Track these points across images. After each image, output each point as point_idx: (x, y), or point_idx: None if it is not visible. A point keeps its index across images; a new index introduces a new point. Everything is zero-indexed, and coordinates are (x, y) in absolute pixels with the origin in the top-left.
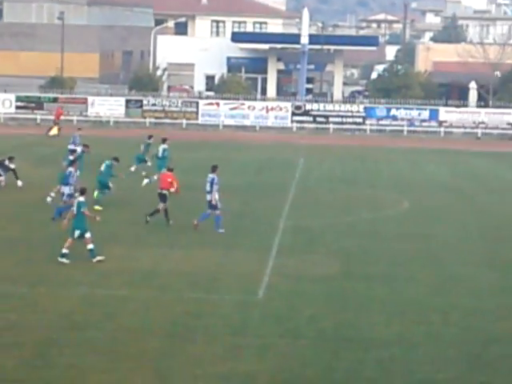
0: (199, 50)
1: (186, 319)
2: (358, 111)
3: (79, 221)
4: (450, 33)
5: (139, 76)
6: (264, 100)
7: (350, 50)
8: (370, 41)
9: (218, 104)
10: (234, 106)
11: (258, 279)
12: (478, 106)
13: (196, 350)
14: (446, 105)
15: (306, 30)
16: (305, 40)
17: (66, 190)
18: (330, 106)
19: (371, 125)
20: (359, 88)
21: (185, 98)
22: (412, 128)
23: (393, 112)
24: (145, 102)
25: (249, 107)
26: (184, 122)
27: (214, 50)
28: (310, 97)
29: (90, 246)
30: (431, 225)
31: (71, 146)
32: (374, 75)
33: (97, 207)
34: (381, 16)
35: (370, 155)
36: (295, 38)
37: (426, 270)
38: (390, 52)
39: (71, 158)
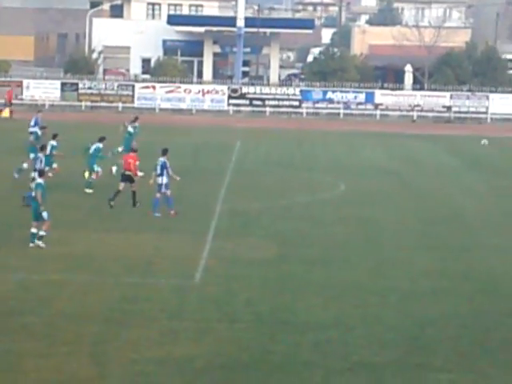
0: (135, 32)
1: (122, 304)
2: (295, 94)
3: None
4: (386, 16)
5: (75, 59)
6: (200, 83)
7: (286, 32)
8: (306, 24)
9: (154, 87)
10: (170, 90)
11: (195, 263)
12: (414, 89)
13: (132, 335)
14: (382, 88)
15: (241, 13)
16: (241, 23)
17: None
18: (266, 89)
19: (307, 108)
20: (295, 71)
21: (121, 82)
22: (348, 111)
23: (329, 95)
24: (80, 86)
25: (185, 90)
26: (120, 105)
27: (150, 32)
28: (246, 80)
29: (37, 231)
30: (368, 208)
31: (32, 129)
32: (310, 58)
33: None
34: None
35: (307, 138)
36: (231, 21)
37: (362, 253)
38: (326, 35)
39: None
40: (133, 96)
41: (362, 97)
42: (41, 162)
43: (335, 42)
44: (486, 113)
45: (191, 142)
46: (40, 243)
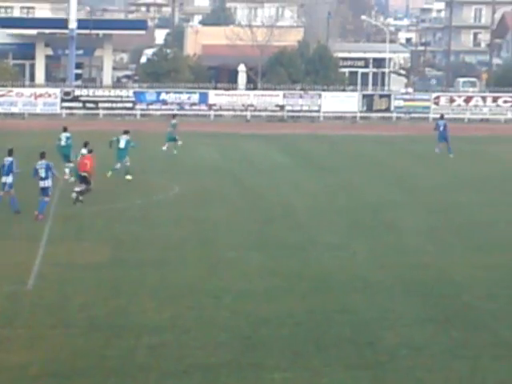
0: None
1: None
2: (128, 96)
3: None
4: (219, 16)
5: None
6: (32, 86)
7: (119, 34)
8: (139, 25)
9: None
10: (1, 93)
11: (28, 269)
12: (247, 89)
13: None
14: (216, 88)
15: (73, 15)
16: (73, 25)
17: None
18: (99, 92)
19: (141, 109)
20: (129, 73)
21: None
22: (182, 112)
23: (162, 96)
24: None
25: (17, 94)
26: None
27: None
28: (79, 82)
29: None
30: (202, 208)
31: None
32: (143, 59)
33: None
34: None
35: (141, 140)
36: (63, 23)
37: (197, 254)
38: (160, 36)
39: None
40: None
41: (195, 97)
42: None
43: (169, 42)
44: (318, 111)
45: (23, 147)
46: None
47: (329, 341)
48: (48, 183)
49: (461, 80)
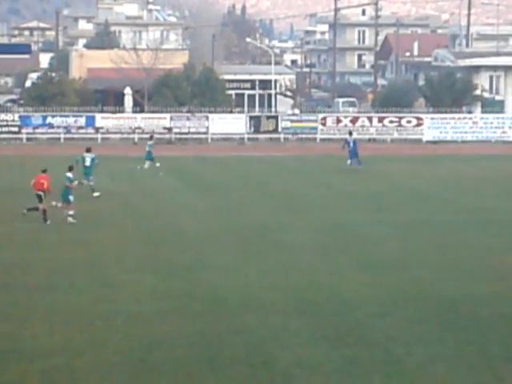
0: None
1: None
2: (14, 120)
3: None
4: (103, 39)
5: None
6: None
7: (3, 58)
8: (23, 48)
9: None
10: None
11: None
12: (134, 112)
13: None
14: (102, 111)
15: None
16: None
17: None
18: None
19: (27, 133)
20: (14, 96)
21: None
22: (69, 135)
23: (49, 120)
24: None
25: None
26: None
27: None
28: None
29: None
30: (90, 231)
31: None
32: (28, 83)
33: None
34: (33, 23)
35: (27, 164)
36: None
37: (87, 277)
38: (44, 59)
39: None
40: None
41: (82, 120)
42: None
43: (53, 66)
44: (206, 133)
45: None
46: None
47: (223, 361)
48: None
49: (340, 100)
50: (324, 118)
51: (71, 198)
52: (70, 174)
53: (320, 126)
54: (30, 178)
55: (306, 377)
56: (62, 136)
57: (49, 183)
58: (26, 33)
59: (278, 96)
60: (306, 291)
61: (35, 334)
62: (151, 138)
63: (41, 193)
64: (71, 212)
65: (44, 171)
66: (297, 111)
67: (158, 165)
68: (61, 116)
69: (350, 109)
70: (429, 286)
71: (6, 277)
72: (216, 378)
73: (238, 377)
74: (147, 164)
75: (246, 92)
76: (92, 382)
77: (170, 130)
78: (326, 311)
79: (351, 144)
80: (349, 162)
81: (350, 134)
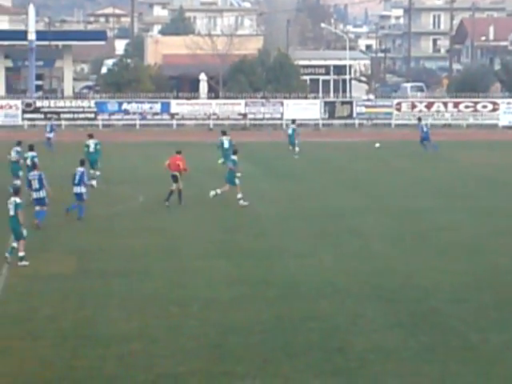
0: None
1: None
2: (90, 106)
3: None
4: (178, 25)
5: None
6: None
7: (79, 45)
8: (98, 35)
9: None
10: None
11: None
12: (209, 98)
13: None
14: (177, 97)
15: (32, 26)
16: (32, 36)
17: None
18: (61, 103)
19: (103, 120)
20: (90, 83)
21: None
22: (144, 122)
23: (124, 106)
24: None
25: None
26: None
27: None
28: (40, 94)
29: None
30: (166, 218)
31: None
32: (104, 70)
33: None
34: (109, 10)
35: (103, 150)
36: (22, 35)
37: (162, 264)
38: (120, 46)
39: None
40: None
41: (157, 107)
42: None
43: (129, 52)
44: (281, 119)
45: None
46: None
47: (298, 347)
48: (42, 194)
49: (408, 85)
50: (399, 104)
51: (237, 180)
52: (234, 157)
53: (395, 112)
54: (109, 164)
55: (381, 363)
56: (138, 122)
57: (184, 163)
58: (102, 19)
59: (353, 81)
60: (381, 277)
61: (111, 319)
62: (293, 121)
63: (176, 173)
64: (239, 195)
65: (178, 152)
66: (371, 97)
67: (290, 148)
68: (136, 102)
69: (418, 93)
70: (505, 272)
71: (83, 263)
72: (291, 363)
73: (313, 362)
74: (296, 148)
75: (321, 77)
76: (168, 368)
77: (244, 116)
78: (401, 297)
79: (424, 129)
80: (425, 146)
81: (420, 120)
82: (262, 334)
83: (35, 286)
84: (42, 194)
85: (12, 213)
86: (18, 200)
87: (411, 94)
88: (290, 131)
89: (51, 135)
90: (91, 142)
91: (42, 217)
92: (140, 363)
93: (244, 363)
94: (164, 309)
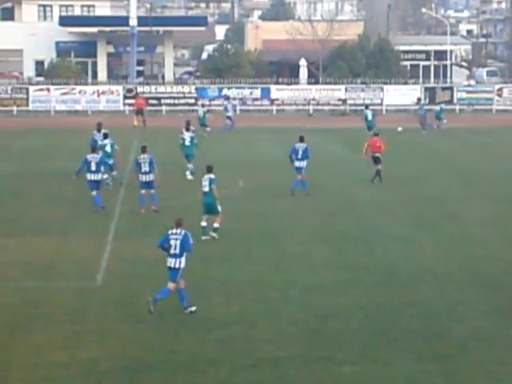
0: (27, 35)
1: (23, 309)
2: (190, 92)
3: None
4: (279, 11)
5: None
6: (95, 84)
7: (180, 30)
8: (199, 21)
9: (48, 89)
10: (64, 91)
11: (96, 265)
12: (309, 83)
13: (35, 340)
14: (277, 83)
15: (134, 12)
16: (133, 22)
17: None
18: (161, 88)
19: (203, 105)
20: (190, 69)
21: (14, 85)
22: (244, 107)
23: (224, 92)
24: None
25: (80, 92)
26: (15, 108)
27: (43, 34)
28: (141, 79)
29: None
30: (266, 203)
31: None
32: (204, 55)
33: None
34: None
35: (203, 136)
36: (124, 21)
37: (262, 249)
38: (220, 32)
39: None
40: (27, 99)
41: (257, 92)
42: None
43: (229, 38)
44: (381, 104)
45: (87, 144)
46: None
47: (398, 333)
48: (151, 177)
49: (484, 70)
50: (500, 89)
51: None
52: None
53: (496, 97)
54: (203, 149)
55: (482, 350)
56: (238, 108)
57: (384, 145)
58: (202, 5)
59: (454, 67)
60: (481, 263)
61: (211, 303)
62: (367, 107)
63: (378, 155)
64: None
65: (376, 134)
66: (472, 82)
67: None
68: (236, 88)
69: (493, 78)
70: None
71: None
72: (391, 349)
73: (413, 349)
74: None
75: (421, 63)
76: (267, 352)
77: (344, 101)
78: (502, 284)
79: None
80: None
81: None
82: (361, 319)
83: (136, 270)
84: (151, 177)
85: (207, 189)
86: (211, 176)
87: (487, 79)
88: (369, 116)
89: (231, 114)
90: (187, 135)
91: (155, 200)
92: (240, 347)
93: (343, 349)
94: (264, 293)
